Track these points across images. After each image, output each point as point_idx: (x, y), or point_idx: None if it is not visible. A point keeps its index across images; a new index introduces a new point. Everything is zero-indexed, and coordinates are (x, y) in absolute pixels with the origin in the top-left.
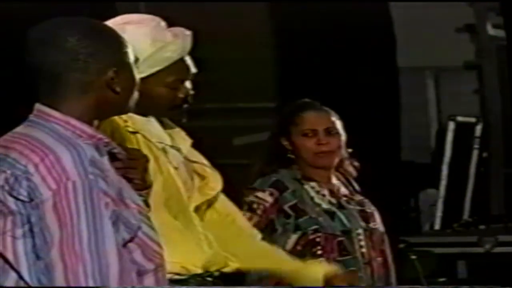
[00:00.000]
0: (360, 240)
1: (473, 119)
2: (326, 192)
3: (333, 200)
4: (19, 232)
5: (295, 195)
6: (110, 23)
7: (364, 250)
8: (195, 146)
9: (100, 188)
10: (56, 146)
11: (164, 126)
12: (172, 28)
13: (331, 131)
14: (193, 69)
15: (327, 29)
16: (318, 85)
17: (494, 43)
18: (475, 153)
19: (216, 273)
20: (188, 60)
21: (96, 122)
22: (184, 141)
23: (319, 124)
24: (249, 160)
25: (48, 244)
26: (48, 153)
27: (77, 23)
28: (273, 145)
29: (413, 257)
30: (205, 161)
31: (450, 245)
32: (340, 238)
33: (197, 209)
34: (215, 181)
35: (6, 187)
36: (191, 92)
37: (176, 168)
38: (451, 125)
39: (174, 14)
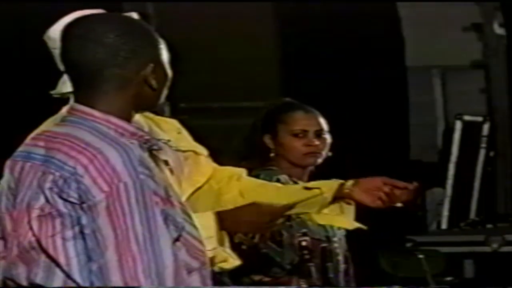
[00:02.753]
0: (336, 248)
1: (480, 118)
2: None
3: None
4: (69, 233)
5: None
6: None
7: (339, 257)
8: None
9: (150, 187)
10: (103, 146)
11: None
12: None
13: (320, 133)
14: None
15: (334, 28)
16: (325, 84)
17: (501, 42)
18: (482, 152)
19: (216, 268)
20: None
21: (133, 115)
22: (171, 128)
23: (309, 125)
24: None
25: (101, 246)
26: (96, 154)
27: (115, 19)
28: (253, 142)
29: (420, 256)
30: (197, 147)
31: (457, 244)
32: (323, 244)
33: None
34: (206, 166)
35: (55, 189)
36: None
37: (166, 162)
38: (458, 124)
39: (181, 14)
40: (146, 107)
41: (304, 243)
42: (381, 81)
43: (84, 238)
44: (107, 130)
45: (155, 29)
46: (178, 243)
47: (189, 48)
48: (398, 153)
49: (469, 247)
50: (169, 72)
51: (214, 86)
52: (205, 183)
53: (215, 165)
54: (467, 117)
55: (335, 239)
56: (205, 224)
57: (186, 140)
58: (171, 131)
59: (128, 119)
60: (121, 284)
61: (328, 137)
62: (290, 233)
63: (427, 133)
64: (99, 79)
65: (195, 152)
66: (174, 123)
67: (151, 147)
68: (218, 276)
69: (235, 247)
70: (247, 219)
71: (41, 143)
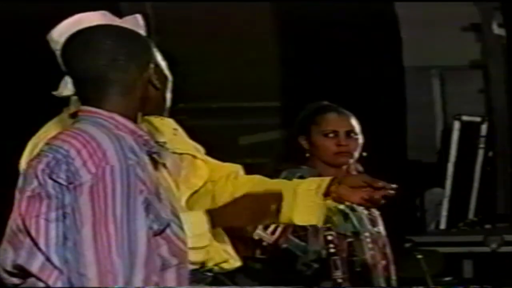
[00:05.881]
0: (368, 243)
1: (478, 118)
2: None
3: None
4: (52, 215)
5: None
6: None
7: (372, 252)
8: (200, 145)
9: (138, 175)
10: (97, 134)
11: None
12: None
13: (351, 134)
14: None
15: (333, 28)
16: (324, 84)
17: (500, 42)
18: (480, 152)
19: (216, 269)
20: None
21: (139, 117)
22: (167, 129)
23: (340, 126)
24: (255, 159)
25: (78, 223)
26: (90, 140)
27: (109, 27)
28: (290, 144)
29: (419, 256)
30: (194, 147)
31: (455, 244)
32: (350, 239)
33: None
34: (203, 169)
35: (47, 170)
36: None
37: (164, 165)
38: (457, 124)
39: (180, 14)
40: (154, 109)
41: (329, 238)
42: (380, 81)
43: (65, 219)
44: (108, 125)
45: (154, 30)
46: (159, 239)
47: (187, 48)
48: (397, 154)
49: (468, 247)
50: (168, 73)
51: (213, 86)
52: (202, 186)
53: (214, 162)
54: (465, 117)
55: (366, 234)
56: (195, 221)
57: (182, 141)
58: (167, 132)
59: (134, 120)
60: (93, 261)
61: (360, 138)
62: (315, 228)
63: (425, 133)
64: (103, 85)
65: (191, 155)
66: (170, 122)
67: (150, 150)
68: (218, 277)
69: (256, 244)
70: (242, 211)
71: (47, 140)
